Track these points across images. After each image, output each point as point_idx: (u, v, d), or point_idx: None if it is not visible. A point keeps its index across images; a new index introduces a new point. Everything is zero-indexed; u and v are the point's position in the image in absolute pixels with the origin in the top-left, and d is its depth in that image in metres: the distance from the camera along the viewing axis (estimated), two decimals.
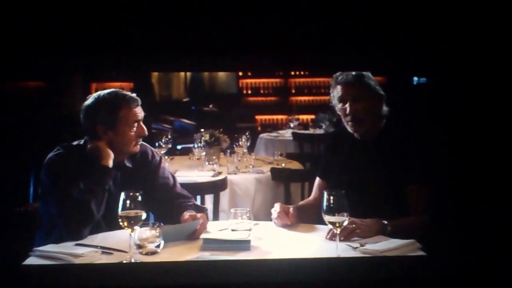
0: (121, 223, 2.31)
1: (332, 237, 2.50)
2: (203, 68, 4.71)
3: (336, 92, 2.94)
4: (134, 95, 2.85)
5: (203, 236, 2.53)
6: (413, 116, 2.91)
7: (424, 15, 2.19)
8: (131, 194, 2.33)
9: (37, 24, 2.13)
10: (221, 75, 10.49)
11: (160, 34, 2.17)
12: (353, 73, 2.89)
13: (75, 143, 2.86)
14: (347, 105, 2.90)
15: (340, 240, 2.39)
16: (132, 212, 2.31)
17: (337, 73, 2.93)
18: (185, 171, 4.57)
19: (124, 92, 2.84)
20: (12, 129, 2.48)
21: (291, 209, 2.82)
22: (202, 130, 5.04)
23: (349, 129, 2.95)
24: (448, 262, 2.18)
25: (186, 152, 5.55)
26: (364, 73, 2.89)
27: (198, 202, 3.26)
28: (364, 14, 2.19)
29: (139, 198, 2.33)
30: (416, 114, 2.79)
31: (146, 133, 2.87)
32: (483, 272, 2.17)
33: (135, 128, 2.82)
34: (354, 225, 2.51)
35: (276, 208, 2.82)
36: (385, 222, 2.61)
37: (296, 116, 7.77)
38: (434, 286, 2.15)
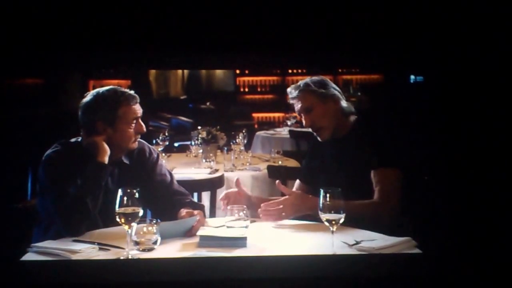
0: (118, 220, 2.32)
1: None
2: (201, 66, 4.72)
3: (294, 107, 3.03)
4: (132, 92, 2.85)
5: (199, 233, 2.53)
6: (406, 111, 2.94)
7: (421, 14, 2.20)
8: (128, 190, 2.34)
9: (35, 21, 2.14)
10: (218, 73, 10.48)
11: (158, 33, 2.18)
12: (298, 84, 2.97)
13: (73, 140, 2.87)
14: (303, 118, 2.99)
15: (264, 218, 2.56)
16: (129, 209, 2.32)
17: (288, 89, 3.02)
18: (182, 168, 4.59)
19: (123, 89, 2.85)
20: (10, 126, 2.48)
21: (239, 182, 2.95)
22: (199, 127, 5.06)
23: (318, 138, 3.02)
24: (443, 260, 2.19)
25: (183, 149, 5.55)
26: (309, 81, 2.96)
27: (195, 199, 3.27)
28: (361, 12, 2.20)
29: (136, 195, 2.34)
30: (410, 110, 2.81)
31: (145, 130, 2.88)
32: (478, 270, 2.18)
33: (133, 125, 2.83)
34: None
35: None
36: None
37: (293, 114, 7.76)
38: (429, 284, 2.16)
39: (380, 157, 2.81)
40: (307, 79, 2.97)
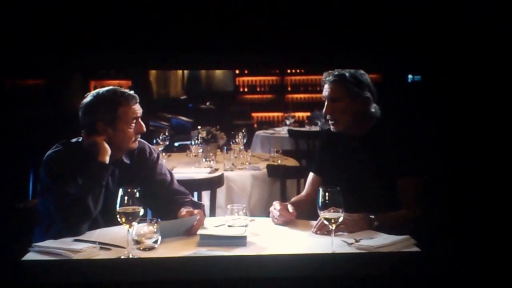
0: (119, 219, 2.33)
1: (318, 231, 2.57)
2: (201, 66, 4.72)
3: (323, 90, 2.99)
4: (132, 92, 2.86)
5: (200, 232, 2.54)
6: (404, 111, 2.93)
7: (418, 12, 2.21)
8: (129, 190, 2.35)
9: (36, 22, 2.14)
10: (218, 73, 10.49)
11: (158, 33, 2.18)
12: (336, 73, 2.91)
13: (73, 140, 2.88)
14: (325, 104, 2.97)
15: (318, 233, 2.52)
16: (130, 208, 2.33)
17: (325, 72, 2.97)
18: (182, 168, 4.60)
19: (123, 89, 2.86)
20: (12, 126, 2.48)
21: (289, 206, 2.82)
22: (199, 127, 5.06)
23: (330, 127, 3.00)
24: (442, 258, 2.19)
25: (184, 149, 5.56)
26: (347, 74, 2.90)
27: (195, 199, 3.27)
28: (358, 12, 2.21)
29: (137, 195, 2.35)
30: (408, 110, 2.81)
31: (145, 129, 2.89)
32: (477, 268, 2.19)
33: (133, 125, 2.84)
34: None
35: (276, 206, 2.81)
36: (372, 216, 2.63)
37: (292, 114, 7.79)
38: (428, 282, 2.16)
39: (405, 166, 2.79)
40: (347, 70, 2.90)
